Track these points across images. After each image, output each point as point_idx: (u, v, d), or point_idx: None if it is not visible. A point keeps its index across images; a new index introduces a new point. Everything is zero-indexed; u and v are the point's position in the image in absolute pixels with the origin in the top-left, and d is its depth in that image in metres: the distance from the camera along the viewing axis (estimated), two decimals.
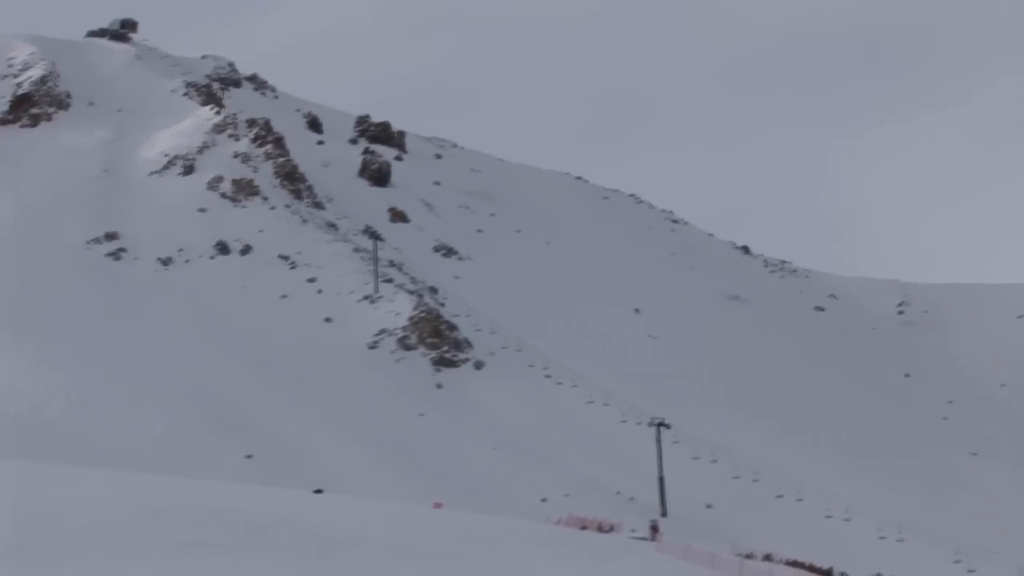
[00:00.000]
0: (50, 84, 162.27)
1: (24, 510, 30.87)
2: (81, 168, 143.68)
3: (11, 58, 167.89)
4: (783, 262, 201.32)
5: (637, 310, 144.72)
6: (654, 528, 73.63)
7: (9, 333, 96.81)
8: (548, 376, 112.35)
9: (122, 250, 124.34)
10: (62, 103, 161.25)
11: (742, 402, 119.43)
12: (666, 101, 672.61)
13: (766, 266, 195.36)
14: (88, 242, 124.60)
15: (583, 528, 71.91)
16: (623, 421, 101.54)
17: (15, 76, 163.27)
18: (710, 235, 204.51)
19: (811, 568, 68.28)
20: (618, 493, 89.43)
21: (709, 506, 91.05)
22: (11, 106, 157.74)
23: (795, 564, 68.13)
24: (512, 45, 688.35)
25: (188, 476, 62.30)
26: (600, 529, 72.68)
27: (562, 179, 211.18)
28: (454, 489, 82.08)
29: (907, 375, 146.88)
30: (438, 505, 68.09)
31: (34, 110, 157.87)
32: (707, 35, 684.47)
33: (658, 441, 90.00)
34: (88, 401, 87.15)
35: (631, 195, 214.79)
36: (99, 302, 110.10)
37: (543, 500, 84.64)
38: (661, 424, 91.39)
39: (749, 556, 67.96)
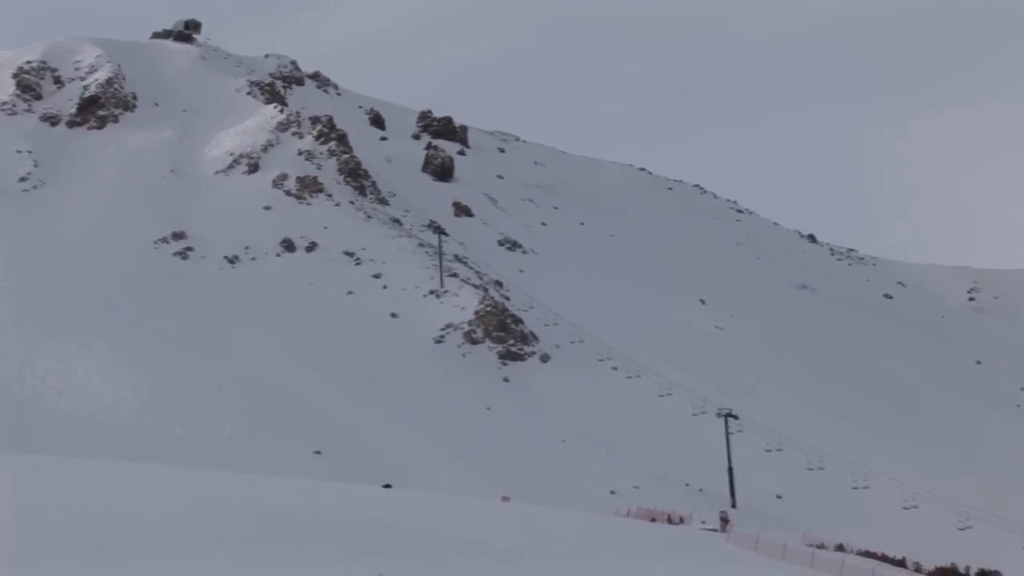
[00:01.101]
0: (116, 86, 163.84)
1: (99, 507, 31.12)
2: (148, 168, 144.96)
3: (78, 61, 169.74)
4: (850, 250, 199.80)
5: (703, 301, 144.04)
6: (724, 519, 73.24)
7: (80, 333, 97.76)
8: (615, 368, 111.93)
9: (189, 249, 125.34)
10: (128, 104, 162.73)
11: (811, 391, 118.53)
12: (730, 90, 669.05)
13: (832, 254, 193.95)
14: (156, 241, 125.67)
15: (653, 520, 71.65)
16: (693, 413, 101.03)
17: (82, 79, 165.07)
18: (775, 224, 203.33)
19: (883, 558, 67.68)
20: (687, 484, 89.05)
21: (779, 496, 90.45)
22: (79, 108, 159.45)
23: (867, 554, 67.59)
24: (574, 36, 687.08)
25: (257, 473, 62.63)
26: (670, 521, 72.37)
27: (625, 170, 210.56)
28: (522, 482, 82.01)
29: (978, 362, 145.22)
30: (506, 499, 67.97)
31: (101, 112, 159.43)
32: (769, 23, 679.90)
33: (727, 432, 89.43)
34: (158, 399, 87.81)
35: (695, 185, 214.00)
36: (167, 301, 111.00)
37: (612, 492, 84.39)
38: (729, 415, 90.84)
39: (820, 547, 67.46)
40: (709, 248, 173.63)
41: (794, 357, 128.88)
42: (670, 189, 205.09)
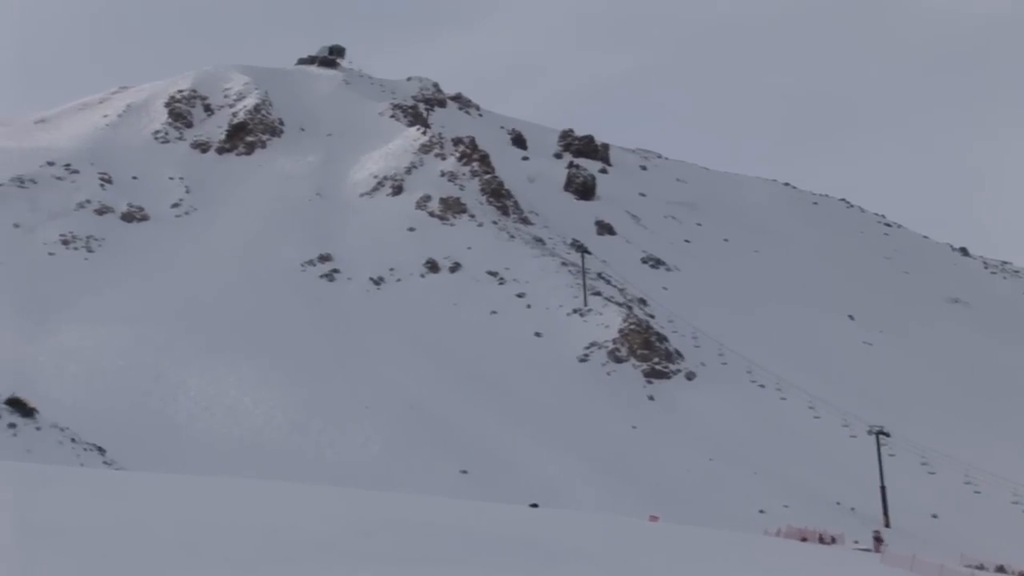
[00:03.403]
0: (264, 112, 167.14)
1: (249, 526, 31.46)
2: (295, 192, 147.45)
3: (227, 89, 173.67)
4: (1004, 263, 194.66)
5: (851, 316, 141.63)
6: (878, 539, 71.76)
7: (231, 355, 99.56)
8: (761, 386, 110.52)
9: (336, 271, 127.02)
10: (275, 130, 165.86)
11: (964, 408, 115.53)
12: (873, 102, 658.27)
13: (986, 267, 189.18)
14: (303, 264, 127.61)
15: (803, 539, 70.40)
16: (846, 429, 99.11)
17: (231, 106, 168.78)
18: (925, 237, 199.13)
19: None
20: (838, 503, 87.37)
21: (935, 516, 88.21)
22: (228, 135, 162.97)
23: None
24: (713, 51, 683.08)
25: (405, 492, 63.01)
26: (821, 540, 71.06)
27: (769, 186, 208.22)
28: (670, 501, 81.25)
29: None
30: (654, 518, 67.42)
31: (249, 138, 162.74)
32: (912, 32, 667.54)
33: (878, 449, 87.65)
34: (306, 420, 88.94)
35: (841, 200, 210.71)
36: (315, 322, 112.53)
37: (761, 511, 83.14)
38: (881, 432, 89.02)
39: (980, 567, 65.65)
40: (856, 263, 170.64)
41: (946, 373, 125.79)
42: (815, 204, 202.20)
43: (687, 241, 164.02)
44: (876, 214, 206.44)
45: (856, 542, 72.27)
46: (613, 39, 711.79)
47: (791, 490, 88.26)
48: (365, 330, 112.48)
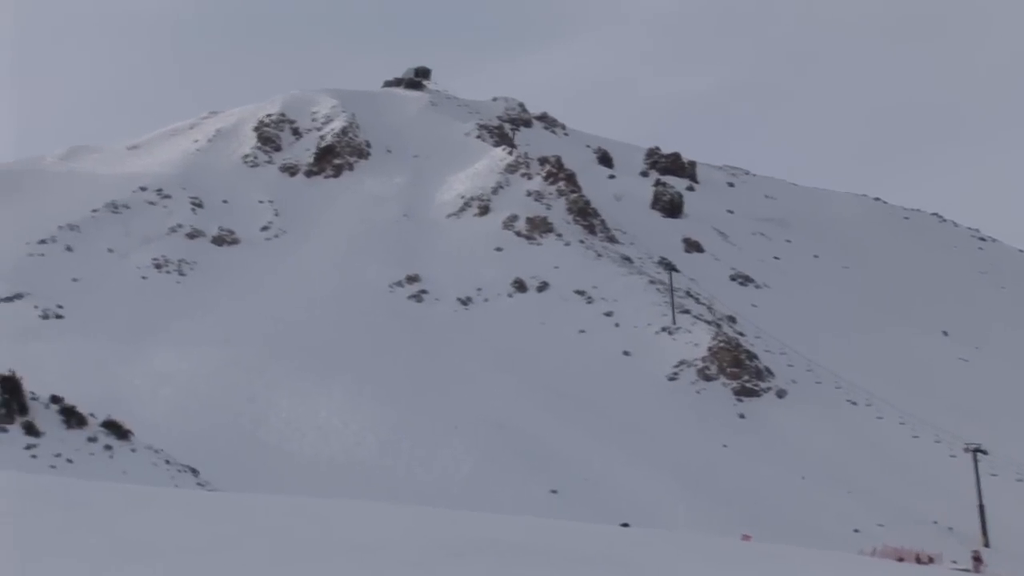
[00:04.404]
0: (351, 135, 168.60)
1: (342, 546, 31.46)
2: (382, 214, 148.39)
3: (314, 112, 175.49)
4: None
5: (945, 332, 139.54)
6: (977, 559, 70.42)
7: (321, 375, 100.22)
8: (853, 403, 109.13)
9: (424, 292, 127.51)
10: (362, 152, 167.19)
11: None
12: (963, 114, 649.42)
13: None
14: (391, 285, 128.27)
15: (900, 559, 69.13)
16: (942, 447, 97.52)
17: (318, 129, 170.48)
18: (1021, 251, 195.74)
19: None
20: (935, 522, 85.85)
21: None
22: (316, 158, 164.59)
23: None
24: (797, 65, 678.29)
25: (495, 512, 62.84)
26: (918, 560, 69.75)
27: (859, 201, 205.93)
28: (762, 520, 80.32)
29: None
30: (747, 537, 66.66)
31: (337, 160, 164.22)
32: (1003, 42, 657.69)
33: (975, 467, 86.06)
34: (396, 440, 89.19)
35: (933, 214, 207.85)
36: (404, 343, 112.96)
37: (856, 531, 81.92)
38: (978, 450, 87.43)
39: None
40: (950, 278, 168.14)
41: None
42: (906, 219, 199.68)
43: (776, 258, 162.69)
44: (970, 228, 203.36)
45: (954, 562, 70.92)
46: (697, 55, 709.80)
47: (886, 509, 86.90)
48: (453, 350, 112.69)
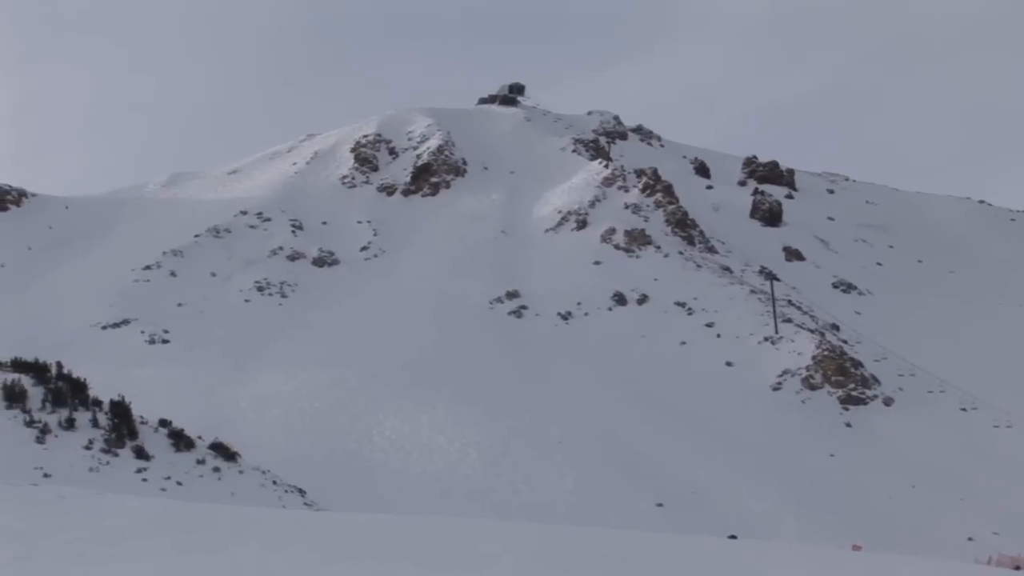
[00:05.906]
0: (447, 153, 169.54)
1: (450, 563, 31.60)
2: (480, 231, 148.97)
3: (410, 131, 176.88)
4: None
5: None
6: None
7: (424, 393, 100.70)
8: (963, 409, 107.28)
9: (523, 307, 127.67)
10: (459, 170, 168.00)
11: None
12: None
13: None
14: (491, 301, 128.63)
15: (1016, 568, 67.71)
16: None
17: (415, 148, 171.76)
18: None
19: None
20: None
21: None
22: (413, 177, 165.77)
23: None
24: (891, 68, 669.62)
25: (601, 526, 62.62)
26: None
27: (962, 204, 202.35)
28: (872, 530, 79.27)
29: None
30: (858, 547, 65.81)
31: (433, 179, 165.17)
32: None
33: None
34: (500, 456, 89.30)
35: None
36: (505, 359, 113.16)
37: (969, 539, 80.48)
38: None
39: None
40: None
41: None
42: (1013, 220, 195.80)
43: (879, 264, 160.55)
44: None
45: None
46: (790, 61, 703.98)
47: (1001, 517, 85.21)
48: (555, 365, 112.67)
